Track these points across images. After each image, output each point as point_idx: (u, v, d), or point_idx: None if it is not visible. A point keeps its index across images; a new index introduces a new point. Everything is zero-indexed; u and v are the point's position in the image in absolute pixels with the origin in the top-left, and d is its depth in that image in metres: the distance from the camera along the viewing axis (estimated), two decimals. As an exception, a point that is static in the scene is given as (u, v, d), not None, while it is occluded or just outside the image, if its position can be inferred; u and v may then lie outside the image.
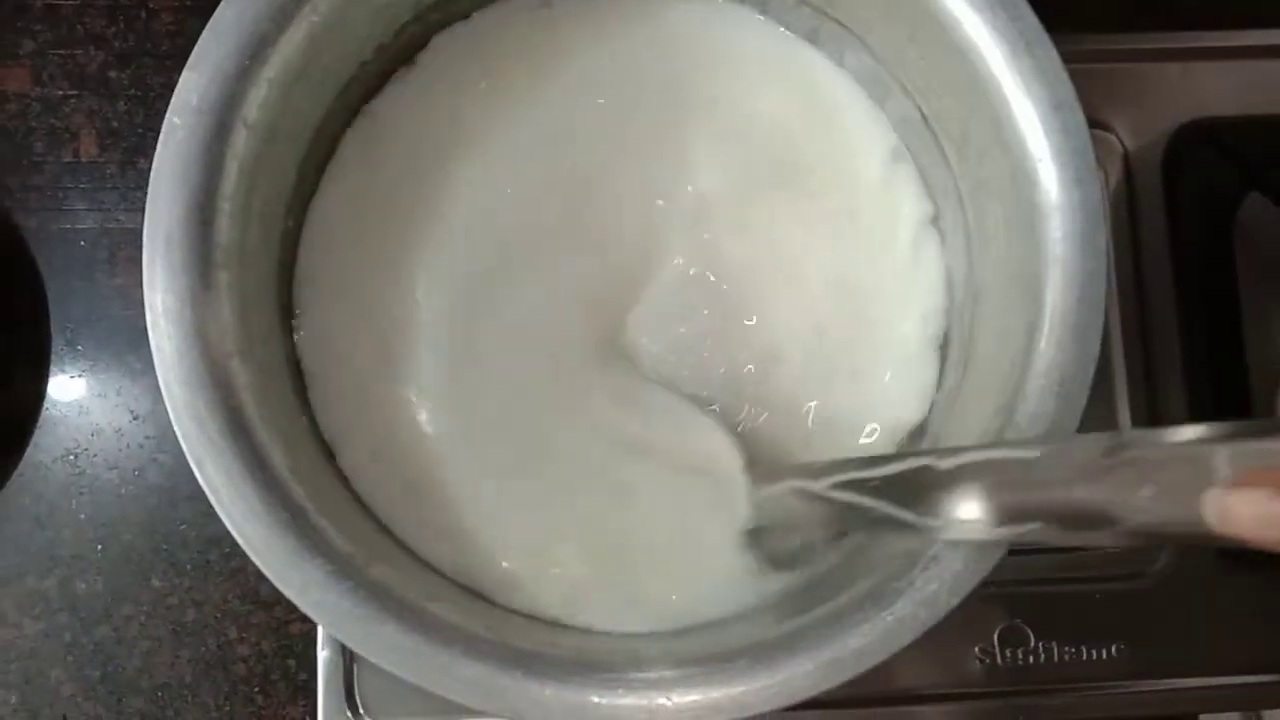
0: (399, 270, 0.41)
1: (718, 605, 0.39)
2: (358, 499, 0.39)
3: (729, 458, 0.39)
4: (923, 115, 0.41)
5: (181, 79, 0.35)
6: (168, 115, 0.34)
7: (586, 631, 0.38)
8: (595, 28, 0.43)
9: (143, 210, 0.34)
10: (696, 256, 0.42)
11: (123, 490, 0.48)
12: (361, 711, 0.44)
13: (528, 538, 0.39)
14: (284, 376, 0.39)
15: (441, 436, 0.40)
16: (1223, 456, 0.25)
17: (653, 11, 0.43)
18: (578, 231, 0.42)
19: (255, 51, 0.35)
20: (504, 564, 0.39)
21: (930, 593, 0.33)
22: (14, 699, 0.47)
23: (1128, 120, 0.48)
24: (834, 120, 0.43)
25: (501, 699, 0.33)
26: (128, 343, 0.49)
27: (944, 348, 0.42)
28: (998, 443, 0.32)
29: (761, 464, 0.40)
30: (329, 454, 0.40)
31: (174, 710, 0.47)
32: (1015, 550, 0.32)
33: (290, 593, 0.33)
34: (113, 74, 0.51)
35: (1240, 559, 0.44)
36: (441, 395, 0.40)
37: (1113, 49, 0.49)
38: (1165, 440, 0.27)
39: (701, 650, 0.34)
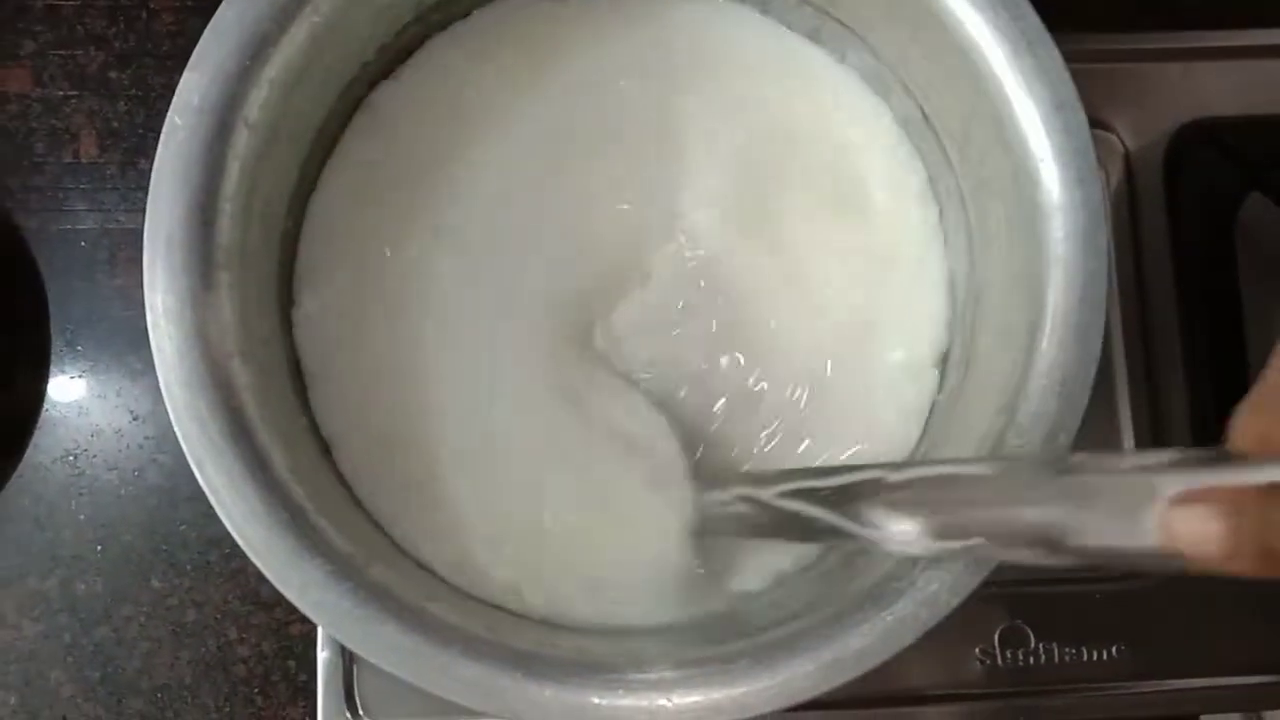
0: (398, 268, 0.41)
1: (656, 606, 0.39)
2: (357, 499, 0.39)
3: (674, 461, 0.39)
4: (924, 115, 0.41)
5: (183, 79, 0.35)
6: (169, 115, 0.34)
7: (580, 630, 0.39)
8: (595, 27, 0.43)
9: (143, 211, 0.34)
10: (690, 258, 0.42)
11: (123, 491, 0.48)
12: (361, 712, 0.44)
13: (517, 534, 0.40)
14: (284, 377, 0.39)
15: (442, 435, 0.40)
16: (1167, 479, 0.26)
17: (653, 11, 0.43)
18: (573, 229, 0.42)
19: (257, 51, 0.35)
20: (498, 568, 0.39)
21: (931, 593, 0.33)
22: (14, 700, 0.47)
23: (1129, 120, 0.48)
24: (836, 118, 0.43)
25: (501, 699, 0.33)
26: (128, 343, 0.49)
27: (944, 363, 0.42)
28: (948, 460, 0.33)
29: (711, 469, 0.40)
30: (329, 454, 0.40)
31: (174, 711, 0.47)
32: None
33: (290, 593, 0.33)
34: (113, 74, 0.51)
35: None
36: (442, 392, 0.40)
37: (1114, 49, 0.49)
38: (1112, 463, 0.28)
39: (702, 651, 0.34)
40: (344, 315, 0.41)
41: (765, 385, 0.42)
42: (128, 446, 0.49)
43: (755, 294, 0.42)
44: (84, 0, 0.51)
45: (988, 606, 0.45)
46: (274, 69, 0.35)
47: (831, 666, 0.32)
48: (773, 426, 0.41)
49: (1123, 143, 0.48)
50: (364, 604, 0.33)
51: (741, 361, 0.42)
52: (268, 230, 0.38)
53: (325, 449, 0.40)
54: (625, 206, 0.42)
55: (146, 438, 0.49)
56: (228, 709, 0.47)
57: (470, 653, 0.33)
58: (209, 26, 0.35)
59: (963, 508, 0.30)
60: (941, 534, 0.30)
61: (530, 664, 0.33)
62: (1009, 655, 0.45)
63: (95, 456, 0.49)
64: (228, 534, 0.33)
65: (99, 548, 0.48)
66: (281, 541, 0.33)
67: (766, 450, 0.41)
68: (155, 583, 0.48)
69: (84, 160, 0.51)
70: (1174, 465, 0.26)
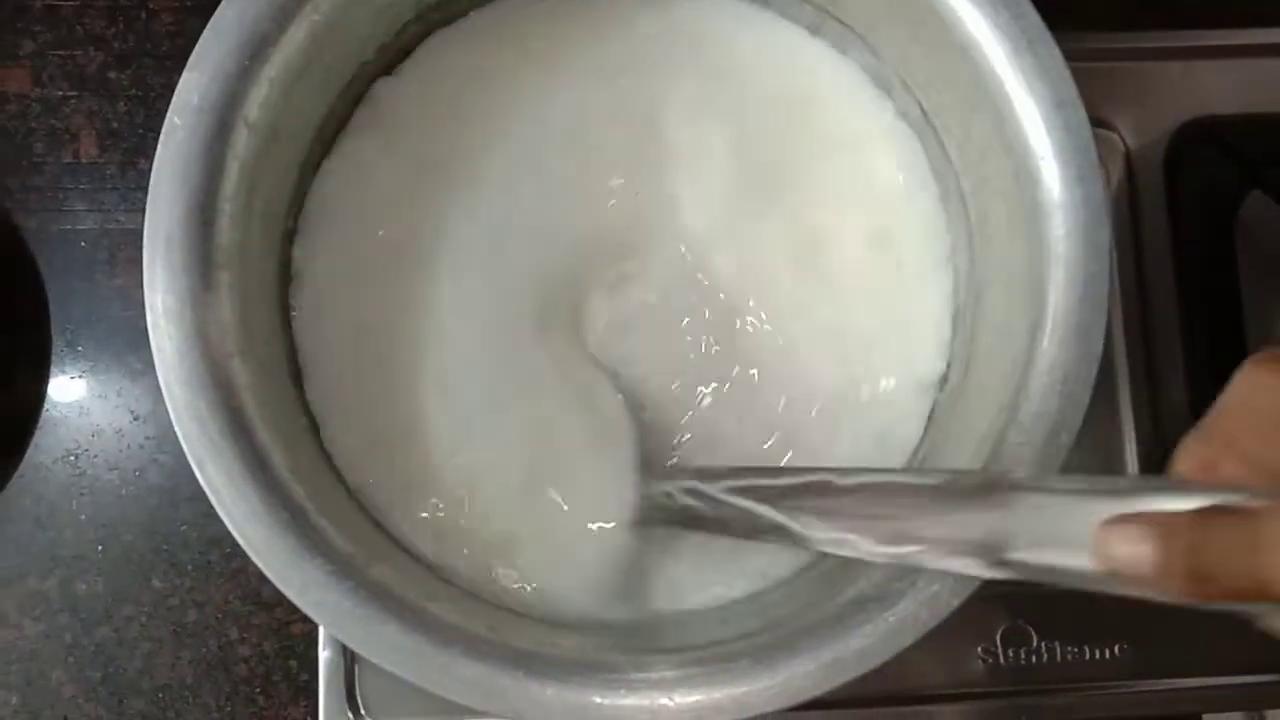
0: (397, 266, 0.41)
1: (595, 598, 0.39)
2: (355, 497, 0.39)
3: (625, 447, 0.39)
4: (924, 113, 0.41)
5: (182, 78, 0.34)
6: (168, 115, 0.34)
7: (580, 629, 0.39)
8: (595, 25, 0.43)
9: (143, 211, 0.34)
10: (686, 254, 0.42)
11: (123, 491, 0.48)
12: (363, 712, 0.44)
13: (518, 530, 0.40)
14: (284, 376, 0.39)
15: (443, 433, 0.40)
16: (1104, 501, 0.27)
17: (652, 8, 0.43)
18: (573, 226, 0.42)
19: (256, 51, 0.35)
20: (496, 564, 0.39)
21: (932, 593, 0.32)
22: (15, 700, 0.47)
23: (1130, 118, 0.48)
24: (837, 114, 0.43)
25: (502, 699, 0.33)
26: (128, 343, 0.49)
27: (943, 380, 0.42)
28: (895, 470, 0.34)
29: (661, 460, 0.40)
30: (327, 452, 0.40)
31: (175, 711, 0.47)
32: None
33: (291, 593, 0.33)
34: (113, 74, 0.51)
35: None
36: (441, 389, 0.40)
37: (1115, 47, 0.49)
38: (1053, 484, 0.30)
39: (704, 651, 0.34)
40: (342, 313, 0.41)
41: (753, 386, 0.41)
42: (128, 446, 0.49)
43: (750, 293, 0.42)
44: (83, 0, 0.51)
45: (990, 606, 0.45)
46: (274, 68, 0.35)
47: (832, 666, 0.32)
48: (757, 428, 0.41)
49: (1123, 141, 0.48)
50: (365, 604, 0.33)
51: (729, 361, 0.42)
52: (268, 230, 0.38)
53: (325, 447, 0.40)
54: (624, 203, 0.42)
55: (147, 438, 0.49)
56: (229, 709, 0.47)
57: (471, 652, 0.33)
58: (208, 26, 0.35)
59: (905, 516, 0.31)
60: (883, 539, 0.31)
61: (531, 663, 0.33)
62: (1011, 654, 0.45)
63: (96, 456, 0.49)
64: (229, 534, 0.33)
65: (100, 548, 0.48)
66: (282, 541, 0.33)
67: (753, 454, 0.41)
68: (156, 583, 0.48)
69: (84, 160, 0.51)
70: (1113, 490, 0.28)
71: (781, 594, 0.40)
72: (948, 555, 0.30)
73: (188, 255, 0.34)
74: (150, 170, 0.34)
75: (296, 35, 0.36)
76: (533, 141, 0.42)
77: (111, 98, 0.51)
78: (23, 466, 0.48)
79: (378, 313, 0.41)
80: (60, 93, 0.51)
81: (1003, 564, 0.29)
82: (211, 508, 0.33)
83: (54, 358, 0.49)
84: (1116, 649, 0.44)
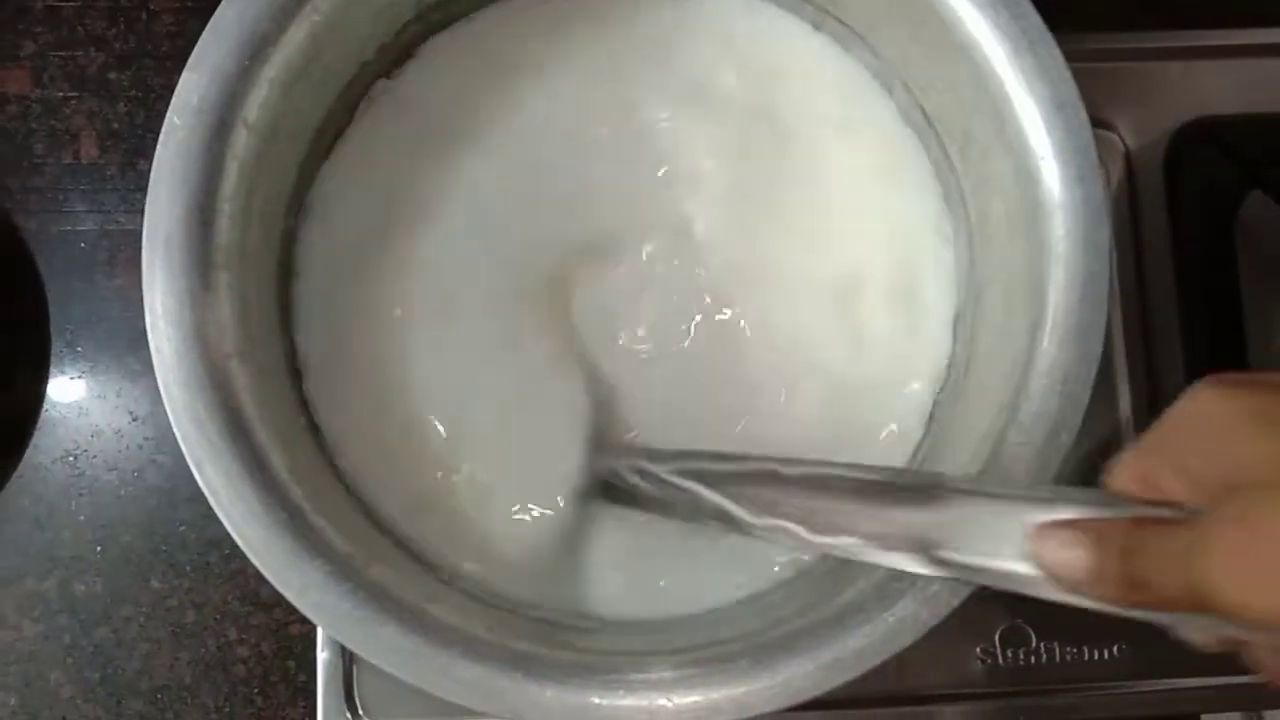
0: (396, 265, 0.41)
1: (528, 556, 0.39)
2: (356, 498, 0.39)
3: (578, 418, 0.40)
4: (924, 113, 0.41)
5: (182, 79, 0.34)
6: (168, 115, 0.34)
7: (579, 630, 0.39)
8: (596, 26, 0.43)
9: (143, 212, 0.34)
10: (683, 247, 0.42)
11: (122, 492, 0.48)
12: (361, 713, 0.44)
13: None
14: (282, 376, 0.39)
15: (440, 429, 0.40)
16: (1042, 507, 0.28)
17: (654, 7, 0.43)
18: (573, 223, 0.42)
19: (256, 51, 0.35)
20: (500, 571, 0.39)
21: (931, 593, 0.32)
22: (13, 701, 0.47)
23: (1130, 119, 0.48)
24: (837, 107, 0.43)
25: (501, 700, 0.33)
26: (128, 344, 0.49)
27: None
28: (839, 464, 0.34)
29: (616, 438, 0.41)
30: (327, 454, 0.40)
31: (174, 712, 0.47)
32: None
33: (289, 594, 0.33)
34: (113, 75, 0.51)
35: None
36: (439, 387, 0.40)
37: (1115, 48, 0.49)
38: (994, 487, 0.31)
39: (702, 651, 0.34)
40: (341, 314, 0.41)
41: (734, 380, 0.41)
42: (127, 447, 0.49)
43: (741, 285, 0.42)
44: (84, 1, 0.51)
45: (988, 606, 0.45)
46: (273, 69, 0.35)
47: (831, 666, 0.32)
48: (730, 419, 0.41)
49: (1123, 141, 0.48)
50: (364, 605, 0.33)
51: (714, 348, 0.42)
52: (267, 230, 0.38)
53: (324, 449, 0.40)
54: (624, 201, 0.42)
55: (146, 438, 0.49)
56: (227, 709, 0.47)
57: (470, 654, 0.33)
58: (208, 26, 0.35)
59: (845, 509, 0.32)
60: (820, 529, 0.32)
61: (530, 665, 0.33)
62: (1010, 655, 0.45)
63: (95, 457, 0.49)
64: (227, 535, 0.33)
65: (98, 548, 0.48)
66: (280, 542, 0.33)
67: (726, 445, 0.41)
68: (155, 583, 0.48)
69: (84, 161, 0.51)
70: (1047, 499, 0.28)
71: (781, 595, 0.40)
72: (883, 549, 0.31)
73: (187, 256, 0.34)
74: (150, 171, 0.34)
75: (296, 36, 0.36)
76: (534, 141, 0.42)
77: (112, 98, 0.51)
78: (22, 467, 0.48)
79: (377, 313, 0.41)
80: (61, 93, 0.51)
81: (938, 562, 0.30)
82: (210, 509, 0.33)
83: (53, 358, 0.49)
84: (1115, 649, 0.44)
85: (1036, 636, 0.45)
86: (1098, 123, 0.46)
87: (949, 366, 0.42)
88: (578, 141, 0.42)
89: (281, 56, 0.36)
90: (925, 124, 0.41)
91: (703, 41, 0.43)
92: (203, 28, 0.35)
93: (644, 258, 0.42)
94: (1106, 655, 0.45)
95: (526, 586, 0.40)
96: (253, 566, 0.33)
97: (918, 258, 0.42)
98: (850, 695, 0.36)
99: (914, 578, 0.33)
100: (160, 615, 0.48)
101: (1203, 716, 0.47)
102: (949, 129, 0.40)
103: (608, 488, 0.39)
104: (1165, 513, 0.26)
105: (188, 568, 0.48)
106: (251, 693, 0.47)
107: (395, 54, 0.43)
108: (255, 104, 0.35)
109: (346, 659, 0.44)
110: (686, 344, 0.42)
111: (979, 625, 0.45)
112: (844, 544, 0.32)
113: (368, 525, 0.39)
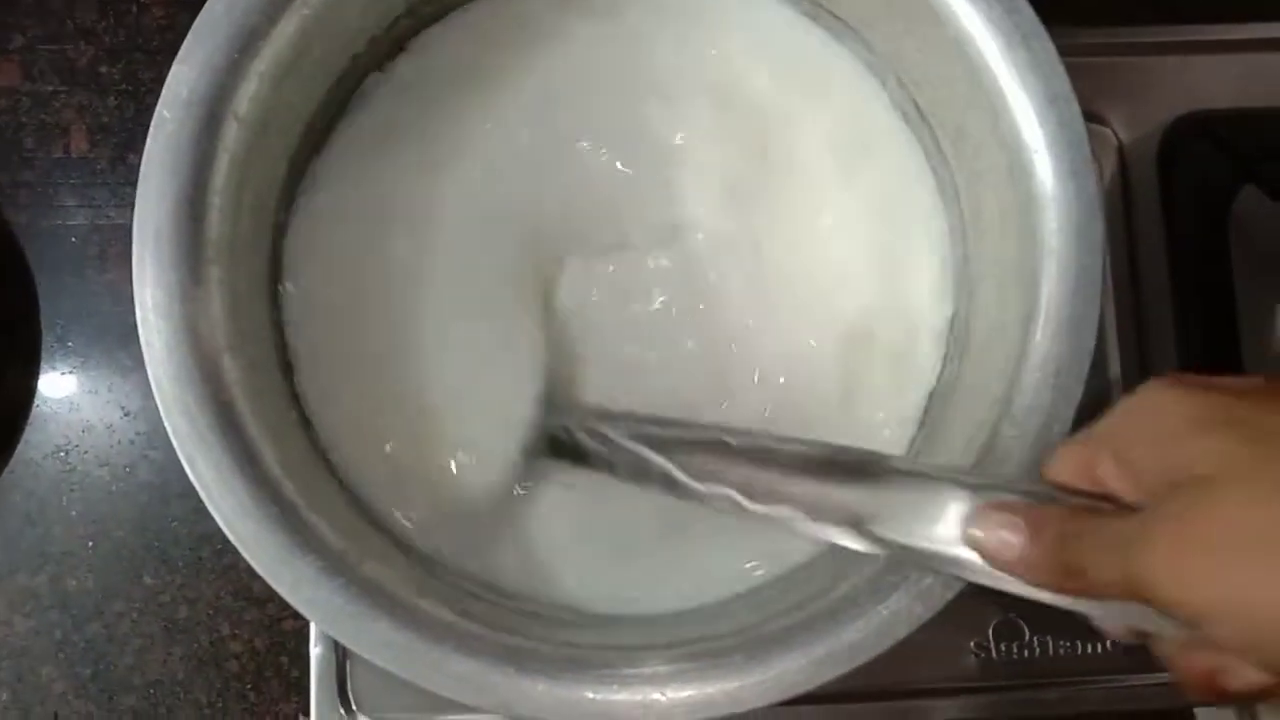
0: (388, 258, 0.41)
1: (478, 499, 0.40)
2: (349, 493, 0.39)
3: (529, 383, 0.40)
4: (918, 108, 0.41)
5: (171, 72, 0.34)
6: (158, 108, 0.34)
7: (572, 624, 0.38)
8: (589, 18, 0.43)
9: (133, 206, 0.34)
10: (676, 238, 0.42)
11: (114, 487, 0.48)
12: (354, 708, 0.44)
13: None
14: (273, 370, 0.39)
15: (433, 420, 0.40)
16: (977, 491, 0.29)
17: None
18: (567, 217, 0.42)
19: (246, 44, 0.35)
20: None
21: (925, 587, 0.32)
22: (5, 696, 0.47)
23: (1123, 113, 0.48)
24: (834, 101, 0.43)
25: (494, 695, 0.33)
26: (118, 339, 0.49)
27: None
28: (783, 437, 0.35)
29: (564, 399, 0.41)
30: (319, 448, 0.39)
31: (166, 708, 0.47)
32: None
33: (282, 589, 0.33)
34: (103, 69, 0.51)
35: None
36: (435, 383, 0.40)
37: (1108, 42, 0.49)
38: (931, 469, 0.32)
39: (696, 645, 0.34)
40: (333, 307, 0.41)
41: (717, 373, 0.41)
42: (119, 442, 0.48)
43: (732, 274, 0.42)
44: (74, -5, 0.51)
45: (982, 600, 0.44)
46: (263, 62, 0.35)
47: (824, 661, 0.32)
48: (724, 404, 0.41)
49: (1117, 136, 0.48)
50: (356, 600, 0.33)
51: (698, 331, 0.42)
52: (257, 224, 0.38)
53: (316, 442, 0.39)
54: (618, 189, 0.42)
55: (137, 433, 0.48)
56: (220, 704, 0.47)
57: (463, 648, 0.33)
58: (198, 19, 0.35)
59: (785, 480, 0.33)
60: (759, 498, 0.33)
61: (523, 659, 0.33)
62: (1004, 649, 0.45)
63: (86, 452, 0.48)
64: (219, 530, 0.33)
65: (90, 544, 0.48)
66: (272, 537, 0.33)
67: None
68: (147, 579, 0.48)
69: (74, 155, 0.50)
70: (990, 483, 0.29)
71: (776, 589, 0.40)
72: (817, 520, 0.32)
73: (177, 250, 0.34)
74: (140, 165, 0.34)
75: (286, 29, 0.36)
76: (527, 133, 0.42)
77: (102, 92, 0.51)
78: (12, 462, 0.48)
79: (369, 306, 0.41)
80: (50, 87, 0.51)
81: (871, 537, 0.31)
82: (202, 504, 0.33)
83: (44, 353, 0.49)
84: (1109, 643, 0.44)
85: (1030, 630, 0.45)
86: (1091, 117, 0.46)
87: (944, 359, 0.42)
88: (573, 133, 0.42)
89: (271, 50, 0.35)
90: (919, 118, 0.41)
91: (697, 31, 0.43)
92: (193, 21, 0.35)
93: (634, 254, 0.42)
94: (1100, 649, 0.45)
95: (476, 559, 0.40)
96: (245, 562, 0.32)
97: (911, 257, 0.42)
98: (844, 689, 0.36)
99: (908, 571, 0.33)
100: (152, 611, 0.48)
101: (1197, 711, 0.47)
102: (943, 123, 0.40)
103: (555, 444, 0.39)
104: (1103, 505, 0.27)
105: (180, 563, 0.48)
106: (244, 688, 0.47)
107: (387, 47, 0.42)
108: (245, 97, 0.35)
109: (339, 654, 0.44)
110: (665, 329, 0.42)
111: (973, 619, 0.45)
112: (780, 513, 0.33)
113: (360, 520, 0.38)
